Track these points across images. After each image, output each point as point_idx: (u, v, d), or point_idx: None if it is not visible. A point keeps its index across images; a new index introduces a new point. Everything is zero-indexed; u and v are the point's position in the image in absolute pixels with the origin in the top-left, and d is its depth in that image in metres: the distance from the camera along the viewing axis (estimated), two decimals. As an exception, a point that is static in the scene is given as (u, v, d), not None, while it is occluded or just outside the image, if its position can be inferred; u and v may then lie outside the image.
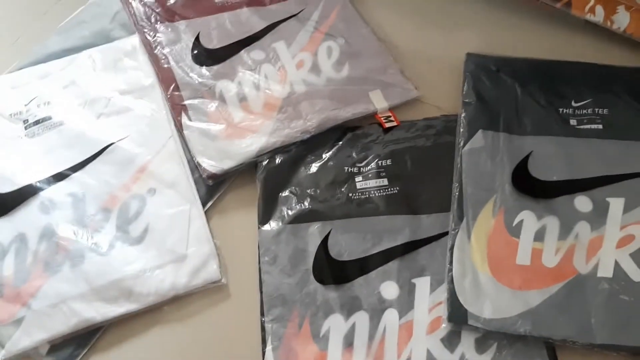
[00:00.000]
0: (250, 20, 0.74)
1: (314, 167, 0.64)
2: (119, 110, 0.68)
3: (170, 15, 0.74)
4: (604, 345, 0.53)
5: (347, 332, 0.55)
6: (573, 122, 0.64)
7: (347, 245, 0.59)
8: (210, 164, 0.63)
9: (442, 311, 0.55)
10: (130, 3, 0.74)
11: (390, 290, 0.56)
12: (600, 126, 0.64)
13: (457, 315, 0.54)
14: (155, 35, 0.72)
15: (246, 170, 0.64)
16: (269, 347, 0.54)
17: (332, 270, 0.58)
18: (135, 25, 0.73)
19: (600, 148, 0.62)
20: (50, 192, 0.62)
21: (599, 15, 0.70)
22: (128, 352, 0.56)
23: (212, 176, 0.63)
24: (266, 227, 0.60)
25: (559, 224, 0.58)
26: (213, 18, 0.74)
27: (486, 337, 0.54)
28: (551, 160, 0.62)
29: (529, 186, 0.60)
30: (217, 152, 0.64)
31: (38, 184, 0.62)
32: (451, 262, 0.56)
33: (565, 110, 0.65)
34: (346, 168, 0.64)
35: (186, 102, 0.67)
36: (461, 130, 0.64)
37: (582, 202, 0.59)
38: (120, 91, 0.69)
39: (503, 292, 0.55)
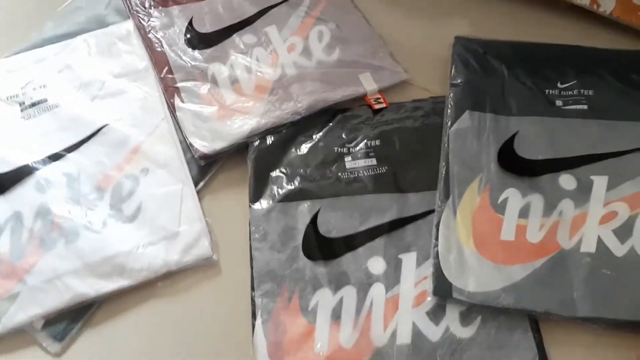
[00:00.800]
0: (242, 5, 0.75)
1: (305, 148, 0.65)
2: (114, 92, 0.69)
3: (164, 1, 0.75)
4: (586, 318, 0.54)
5: (335, 305, 0.56)
6: (559, 103, 0.66)
7: (336, 222, 0.60)
8: (203, 145, 0.64)
9: (428, 285, 0.56)
10: (125, -11, 0.75)
11: (377, 265, 0.57)
12: (585, 107, 0.65)
13: (442, 289, 0.55)
14: (149, 20, 0.73)
15: (237, 151, 0.65)
16: (258, 321, 0.56)
17: (321, 247, 0.59)
18: (130, 11, 0.74)
19: (585, 128, 0.63)
20: (46, 172, 0.63)
21: (585, -1, 0.71)
22: (121, 326, 0.57)
23: (204, 156, 0.64)
24: (257, 205, 0.62)
25: (544, 202, 0.59)
26: (206, 3, 0.75)
27: (470, 310, 0.55)
28: (537, 139, 0.63)
29: (515, 165, 0.61)
30: (209, 133, 0.65)
31: (34, 164, 0.63)
32: (437, 238, 0.58)
33: (551, 92, 0.66)
34: (336, 148, 0.65)
35: (179, 85, 0.68)
36: (448, 111, 0.65)
37: (567, 180, 0.60)
38: (114, 74, 0.70)
39: (487, 266, 0.56)
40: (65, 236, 0.59)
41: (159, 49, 0.71)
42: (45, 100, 0.68)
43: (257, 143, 0.65)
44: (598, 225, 0.58)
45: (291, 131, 0.66)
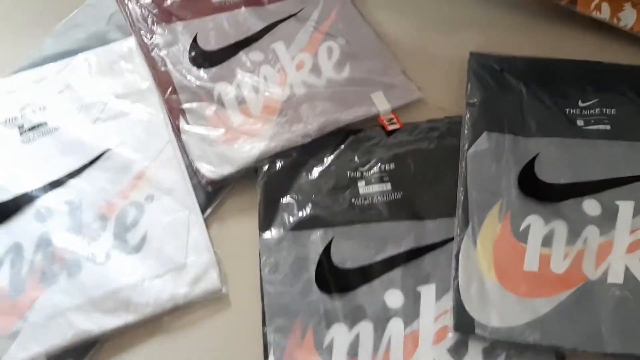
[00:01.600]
0: (248, 20, 0.73)
1: (316, 172, 0.63)
2: (116, 114, 0.66)
3: (167, 17, 0.72)
4: (615, 355, 0.51)
5: (352, 342, 0.53)
6: (580, 122, 0.63)
7: (350, 252, 0.57)
8: (209, 170, 0.62)
9: (448, 320, 0.54)
10: (127, 4, 0.73)
11: (394, 298, 0.55)
12: (608, 127, 0.62)
13: (464, 324, 0.53)
14: (152, 37, 0.70)
15: (246, 175, 0.63)
16: (271, 359, 0.53)
17: (335, 279, 0.56)
18: (132, 27, 0.72)
19: (608, 149, 0.61)
20: (47, 200, 0.60)
21: (605, 13, 0.69)
22: (127, 364, 0.55)
23: (211, 182, 0.62)
24: (267, 234, 0.59)
25: (567, 229, 0.56)
26: (210, 19, 0.72)
27: (494, 346, 0.53)
28: (558, 162, 0.60)
29: (536, 189, 0.59)
30: (216, 157, 0.62)
31: (34, 192, 0.61)
32: (457, 269, 0.55)
33: (572, 111, 0.64)
34: (348, 172, 0.62)
35: (184, 106, 0.65)
36: (465, 132, 0.63)
37: (591, 206, 0.58)
38: (116, 95, 0.67)
39: (510, 299, 0.53)
40: (67, 269, 0.57)
41: (163, 68, 0.68)
42: (45, 124, 0.65)
43: (266, 167, 0.63)
44: (625, 253, 0.55)
45: (301, 154, 0.64)
